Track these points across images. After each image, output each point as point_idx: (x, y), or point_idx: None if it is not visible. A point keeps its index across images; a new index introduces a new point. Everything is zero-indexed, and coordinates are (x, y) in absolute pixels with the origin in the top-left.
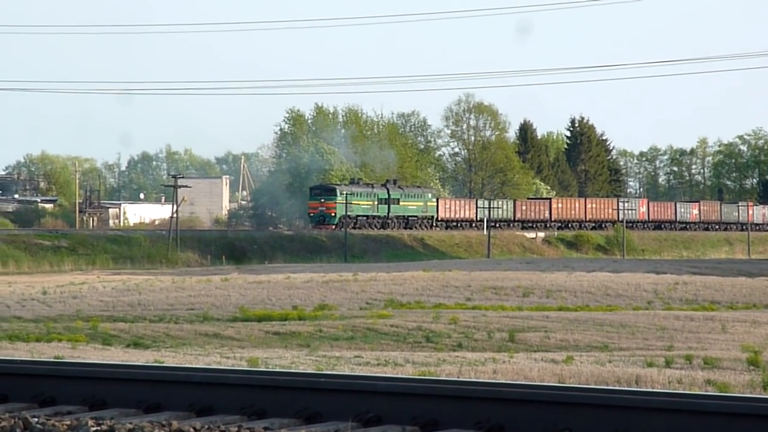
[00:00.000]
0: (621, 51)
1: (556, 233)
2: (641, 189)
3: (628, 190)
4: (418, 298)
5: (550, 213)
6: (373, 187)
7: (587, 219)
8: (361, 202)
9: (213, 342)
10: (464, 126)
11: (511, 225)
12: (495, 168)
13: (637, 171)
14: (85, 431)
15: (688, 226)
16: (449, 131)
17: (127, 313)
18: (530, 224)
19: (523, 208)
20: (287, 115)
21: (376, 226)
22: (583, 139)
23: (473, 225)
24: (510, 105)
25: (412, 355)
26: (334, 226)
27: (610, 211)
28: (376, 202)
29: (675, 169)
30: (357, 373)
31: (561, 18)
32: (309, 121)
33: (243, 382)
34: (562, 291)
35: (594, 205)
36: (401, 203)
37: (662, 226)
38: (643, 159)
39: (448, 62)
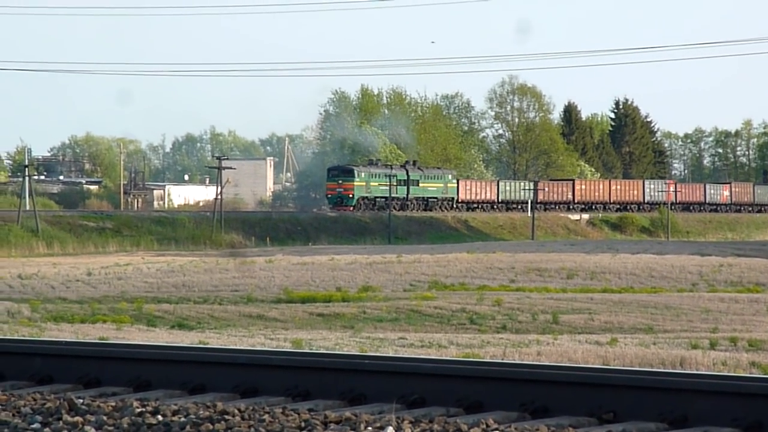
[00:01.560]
0: (665, 32)
1: (592, 215)
2: (686, 171)
3: (673, 172)
4: (462, 280)
5: (573, 194)
6: (392, 168)
7: (611, 200)
8: (379, 184)
9: (257, 323)
10: (508, 108)
11: (536, 207)
12: (539, 150)
13: (682, 153)
14: (129, 412)
15: (718, 208)
16: (493, 113)
17: (172, 294)
18: (553, 206)
19: (545, 189)
20: (332, 96)
21: (395, 208)
22: (627, 120)
23: (494, 207)
24: (554, 87)
25: (456, 337)
26: (352, 208)
27: (635, 192)
28: (395, 184)
29: (720, 150)
30: (401, 355)
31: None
32: (354, 103)
33: (287, 364)
34: (607, 273)
35: (618, 187)
36: (421, 185)
37: (691, 207)
38: (688, 141)
39: (492, 44)
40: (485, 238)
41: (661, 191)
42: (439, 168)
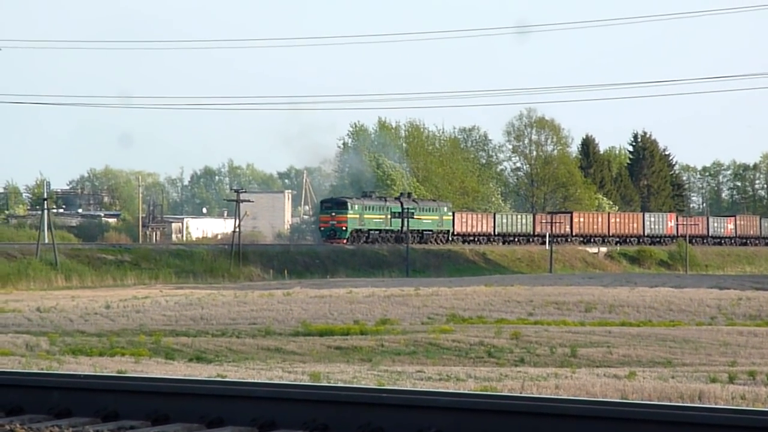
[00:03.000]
0: (683, 65)
1: (610, 248)
2: (704, 204)
3: (692, 205)
4: (480, 313)
5: (572, 227)
6: (386, 200)
7: (610, 233)
8: (373, 216)
9: (275, 356)
10: (526, 141)
11: (531, 239)
12: (557, 183)
13: (700, 186)
14: None
15: (722, 241)
16: (511, 146)
17: (190, 327)
18: (552, 239)
19: (543, 221)
20: (350, 129)
21: (389, 241)
22: (645, 153)
23: (491, 240)
24: (572, 119)
25: (474, 370)
26: (345, 241)
27: (635, 225)
28: (389, 216)
29: (738, 184)
30: (419, 388)
31: (622, 33)
32: (372, 136)
33: (305, 397)
34: (625, 306)
35: (618, 220)
36: (416, 217)
37: (693, 241)
38: (706, 174)
39: (509, 77)
40: (503, 271)
41: (662, 224)
42: (434, 200)
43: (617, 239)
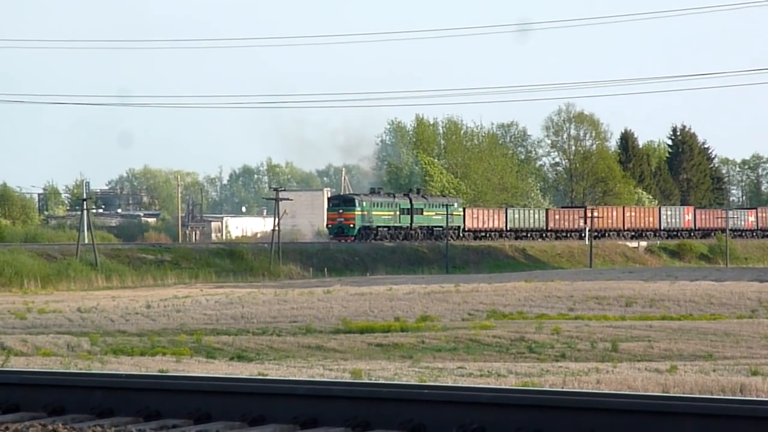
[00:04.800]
0: (721, 58)
1: (650, 242)
2: (744, 197)
3: (732, 199)
4: (521, 309)
5: (586, 222)
6: (394, 196)
7: (625, 228)
8: (381, 213)
9: (316, 354)
10: (564, 136)
11: (544, 235)
12: (596, 177)
13: (740, 179)
14: None
15: (743, 234)
16: (549, 141)
17: (231, 326)
18: (564, 234)
19: (557, 217)
20: (388, 126)
21: (398, 238)
22: (684, 147)
23: (503, 235)
24: (611, 114)
25: (515, 366)
26: (353, 238)
27: (651, 219)
28: (397, 212)
29: None
30: (460, 384)
31: (661, 26)
32: (410, 133)
33: (347, 395)
34: (665, 300)
35: (633, 214)
36: (425, 213)
37: (712, 234)
38: (746, 167)
39: (548, 72)
40: (543, 266)
41: (679, 218)
42: (444, 196)
43: (633, 233)
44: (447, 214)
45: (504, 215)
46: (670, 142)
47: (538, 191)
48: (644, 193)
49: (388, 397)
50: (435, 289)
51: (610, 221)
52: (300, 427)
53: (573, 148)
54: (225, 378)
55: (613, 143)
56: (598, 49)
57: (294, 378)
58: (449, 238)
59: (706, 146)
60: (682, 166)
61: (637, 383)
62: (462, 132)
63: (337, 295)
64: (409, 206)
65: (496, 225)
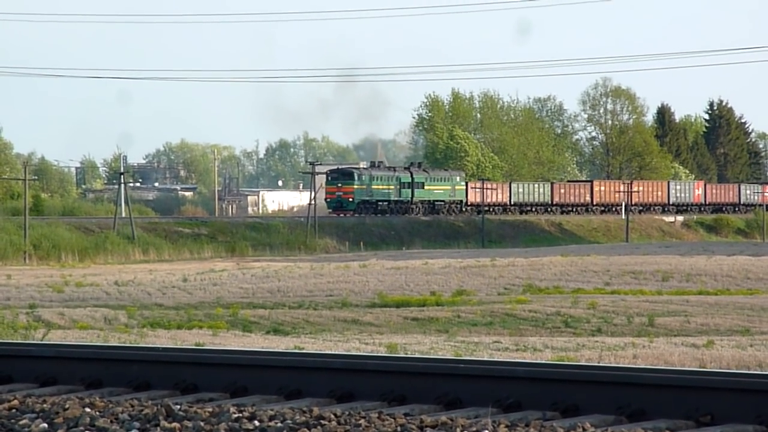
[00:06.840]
0: (758, 32)
1: (687, 217)
2: None
3: None
4: (557, 283)
5: (592, 196)
6: (395, 170)
7: (633, 202)
8: (381, 186)
9: (352, 328)
10: (601, 110)
11: (549, 209)
12: (633, 152)
13: None
14: (226, 418)
15: (756, 209)
16: (586, 115)
17: (267, 299)
18: (569, 208)
19: (561, 191)
20: (425, 100)
21: (398, 212)
22: (721, 122)
23: (507, 210)
24: (648, 88)
25: (551, 341)
26: (352, 212)
27: (660, 194)
28: (398, 186)
29: None
30: (496, 359)
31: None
32: (446, 107)
33: (382, 369)
34: (702, 275)
35: (641, 188)
36: (426, 187)
37: (723, 209)
38: None
39: (585, 46)
40: (579, 241)
41: (688, 192)
42: (446, 169)
43: (640, 208)
44: (450, 188)
45: (508, 189)
46: (707, 117)
47: (575, 165)
48: (681, 167)
49: (423, 372)
50: (471, 263)
51: (616, 195)
52: (336, 401)
53: (609, 122)
54: (261, 351)
55: (649, 117)
56: (635, 24)
57: (330, 352)
58: (452, 213)
59: (743, 121)
60: (719, 141)
61: (673, 358)
62: (498, 106)
63: (372, 269)
64: (410, 180)
65: (500, 199)
